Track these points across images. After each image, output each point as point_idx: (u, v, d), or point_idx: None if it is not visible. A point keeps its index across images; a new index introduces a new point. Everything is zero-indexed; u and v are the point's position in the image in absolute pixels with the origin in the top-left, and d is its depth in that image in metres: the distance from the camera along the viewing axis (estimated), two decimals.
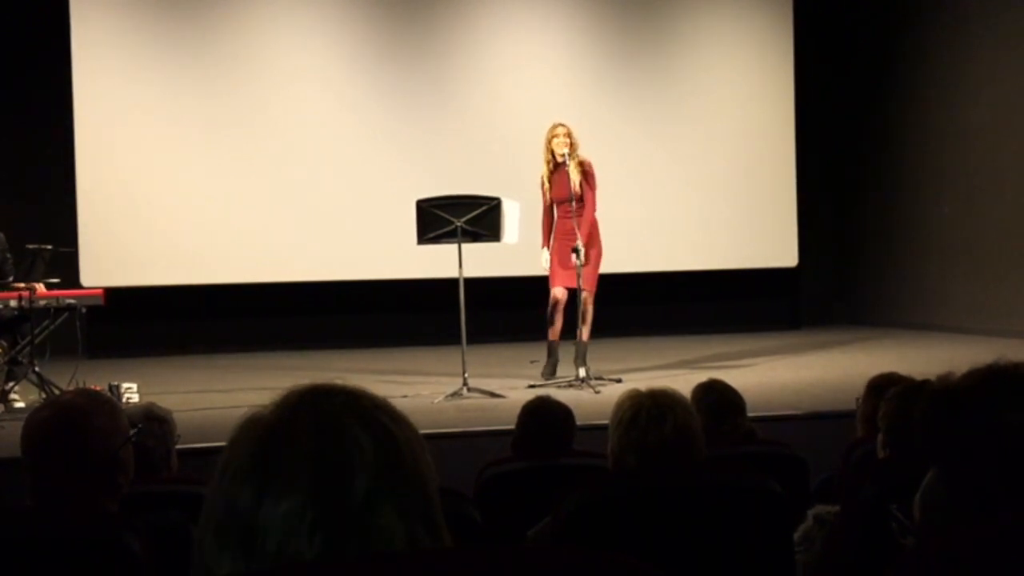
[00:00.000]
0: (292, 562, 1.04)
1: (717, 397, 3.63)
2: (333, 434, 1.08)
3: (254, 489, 1.07)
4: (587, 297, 7.28)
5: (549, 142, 7.32)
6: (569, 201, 7.20)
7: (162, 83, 9.58)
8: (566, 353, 7.38)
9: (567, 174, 7.25)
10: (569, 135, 7.27)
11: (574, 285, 7.18)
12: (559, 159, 7.27)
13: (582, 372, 6.94)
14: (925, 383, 2.99)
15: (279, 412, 1.11)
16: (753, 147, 10.62)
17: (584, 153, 7.30)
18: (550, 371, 7.45)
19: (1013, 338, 8.82)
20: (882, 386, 3.37)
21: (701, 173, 10.48)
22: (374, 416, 1.11)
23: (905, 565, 1.39)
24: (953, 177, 10.18)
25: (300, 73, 9.85)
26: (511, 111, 10.02)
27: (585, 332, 7.31)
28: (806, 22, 10.82)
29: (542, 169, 7.39)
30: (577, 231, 7.13)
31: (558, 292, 7.36)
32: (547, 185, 7.35)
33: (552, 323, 7.44)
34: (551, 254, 7.42)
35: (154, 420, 3.03)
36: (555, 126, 7.37)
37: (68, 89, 9.39)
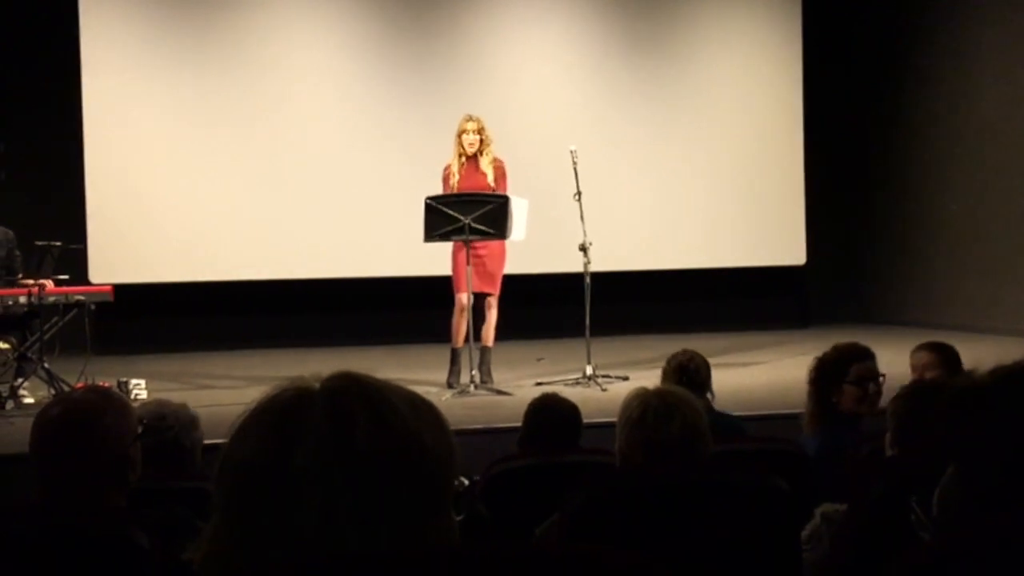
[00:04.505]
0: (291, 548, 1.04)
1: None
2: (345, 424, 1.08)
3: (262, 473, 1.07)
4: (492, 300, 7.09)
5: (459, 136, 7.11)
6: None
7: (171, 80, 9.59)
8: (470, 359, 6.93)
9: (480, 168, 7.07)
10: (480, 131, 7.07)
11: (476, 289, 6.91)
12: (469, 153, 7.07)
13: (589, 369, 6.92)
14: (933, 382, 2.98)
15: (295, 397, 1.11)
16: (761, 145, 10.59)
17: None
18: (457, 378, 7.05)
19: (1022, 336, 8.80)
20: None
21: (709, 171, 10.46)
22: (389, 409, 1.11)
23: (921, 559, 1.39)
24: (961, 174, 10.15)
25: (308, 71, 9.86)
26: (519, 109, 10.01)
27: (490, 337, 7.08)
28: (814, 19, 10.78)
29: (452, 160, 7.11)
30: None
31: (464, 298, 7.00)
32: (456, 177, 7.05)
33: (459, 330, 7.08)
34: (454, 253, 7.11)
35: (168, 416, 3.04)
36: (465, 120, 7.13)
37: (77, 86, 9.40)
